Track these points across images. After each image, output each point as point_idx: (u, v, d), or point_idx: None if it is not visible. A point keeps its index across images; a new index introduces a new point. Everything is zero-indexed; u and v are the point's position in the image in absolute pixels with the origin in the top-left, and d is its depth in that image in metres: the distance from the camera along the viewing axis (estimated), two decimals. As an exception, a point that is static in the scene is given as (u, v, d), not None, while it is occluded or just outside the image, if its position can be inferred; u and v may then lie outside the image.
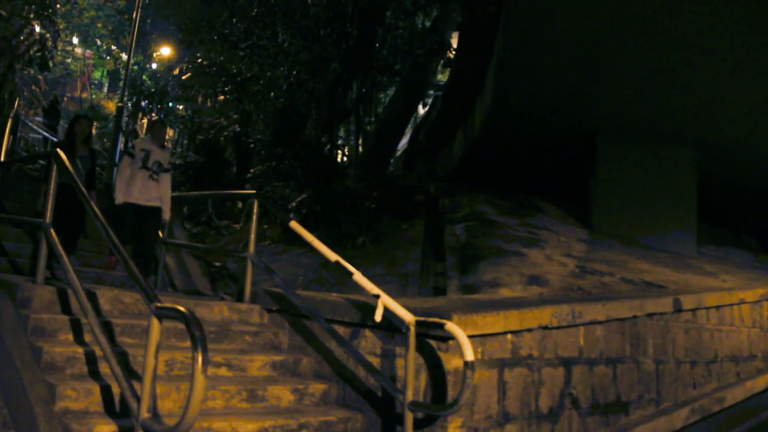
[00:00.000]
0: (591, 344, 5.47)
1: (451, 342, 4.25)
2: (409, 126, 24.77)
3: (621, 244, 11.36)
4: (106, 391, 3.84)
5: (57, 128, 20.05)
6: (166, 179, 7.07)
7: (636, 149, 12.43)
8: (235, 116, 15.42)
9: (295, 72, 13.89)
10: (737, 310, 7.98)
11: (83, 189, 4.74)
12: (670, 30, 9.16)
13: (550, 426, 4.94)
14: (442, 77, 24.95)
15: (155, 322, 3.32)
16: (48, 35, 17.69)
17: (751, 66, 9.72)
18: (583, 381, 5.32)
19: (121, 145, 18.26)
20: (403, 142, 25.16)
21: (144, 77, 30.03)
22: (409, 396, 4.11)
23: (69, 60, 37.35)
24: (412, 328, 4.15)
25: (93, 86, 40.20)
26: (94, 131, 22.38)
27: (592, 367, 5.45)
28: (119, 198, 6.71)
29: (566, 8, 9.16)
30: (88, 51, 40.52)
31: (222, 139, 15.70)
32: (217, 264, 9.24)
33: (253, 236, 6.16)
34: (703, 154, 12.39)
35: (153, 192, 6.87)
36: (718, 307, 7.51)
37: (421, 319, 4.17)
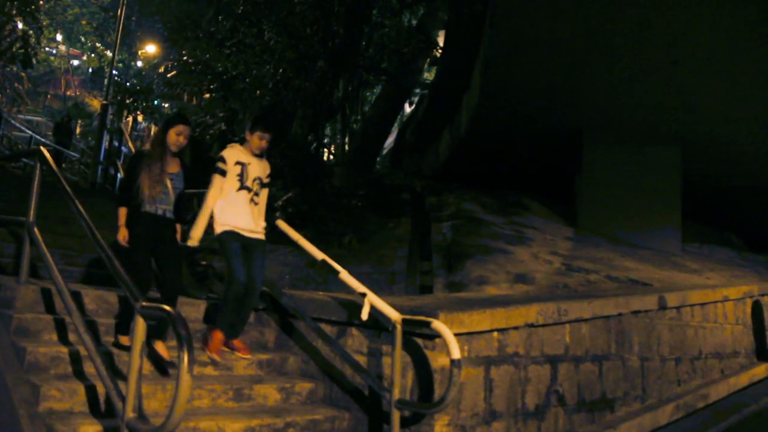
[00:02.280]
0: (577, 342, 5.50)
1: (437, 340, 4.25)
2: (396, 124, 24.79)
3: (607, 241, 11.42)
4: (91, 391, 3.81)
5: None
6: (265, 198, 5.22)
7: (622, 147, 12.49)
8: (221, 114, 15.34)
9: (281, 70, 13.86)
10: (721, 307, 8.05)
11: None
12: (656, 29, 9.21)
13: (537, 423, 4.96)
14: (429, 76, 24.99)
15: (140, 321, 3.31)
16: (31, 32, 17.55)
17: (736, 65, 9.79)
18: (569, 378, 5.34)
19: (105, 144, 18.14)
20: (390, 140, 25.18)
21: (131, 82, 29.89)
22: (396, 394, 4.11)
23: (52, 58, 37.04)
24: (399, 327, 4.16)
25: (82, 84, 39.87)
26: (78, 129, 22.26)
27: (578, 365, 5.47)
28: (196, 235, 4.83)
29: (552, 8, 9.18)
30: (77, 50, 40.22)
31: (208, 137, 15.61)
32: (203, 263, 9.19)
33: (239, 235, 6.10)
34: (688, 152, 12.48)
35: (255, 219, 5.03)
36: (702, 305, 7.56)
37: (408, 317, 4.18)
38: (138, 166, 4.67)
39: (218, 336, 4.76)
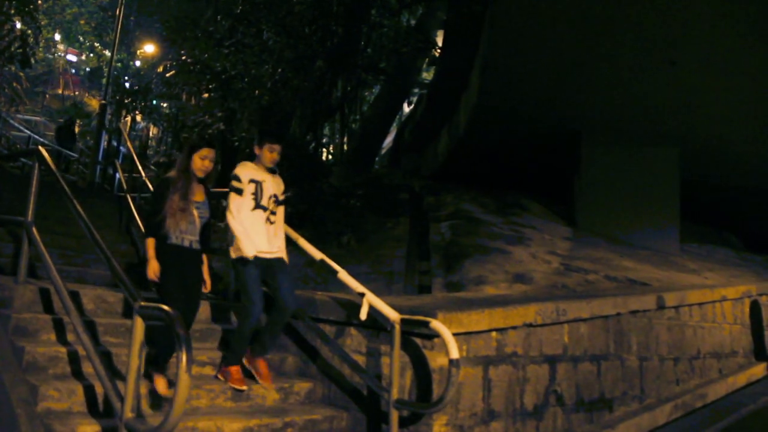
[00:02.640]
0: (575, 341, 5.50)
1: (436, 340, 4.25)
2: (394, 124, 24.80)
3: (605, 241, 11.42)
4: (89, 391, 3.81)
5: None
6: (281, 216, 5.01)
7: (620, 147, 12.50)
8: (220, 114, 15.32)
9: (279, 70, 13.84)
10: (719, 307, 8.06)
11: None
12: (655, 30, 9.22)
13: (535, 423, 4.96)
14: (428, 75, 24.99)
15: (139, 321, 3.31)
16: (29, 32, 17.51)
17: (734, 66, 9.81)
18: (567, 378, 5.34)
19: (104, 143, 18.13)
20: (388, 140, 25.18)
21: (129, 81, 29.88)
22: (395, 394, 4.12)
23: (51, 56, 37.01)
24: (397, 327, 4.16)
25: (80, 84, 39.82)
26: (77, 128, 22.24)
27: (576, 365, 5.47)
28: (236, 251, 4.58)
29: (551, 8, 9.19)
30: (75, 50, 40.18)
31: (206, 137, 15.60)
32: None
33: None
34: (687, 152, 12.49)
35: (273, 238, 4.81)
36: (700, 304, 7.57)
37: (406, 317, 4.18)
38: (163, 194, 4.39)
39: (235, 369, 4.53)
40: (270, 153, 4.81)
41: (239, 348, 4.55)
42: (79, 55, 40.43)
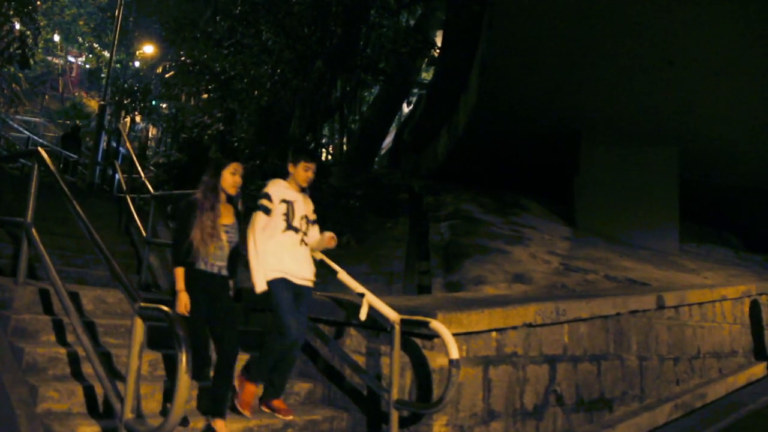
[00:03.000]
0: (575, 341, 5.50)
1: (436, 340, 4.25)
2: (394, 124, 24.80)
3: (604, 241, 11.43)
4: (89, 391, 3.81)
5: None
6: (314, 236, 4.64)
7: (619, 147, 12.50)
8: (219, 115, 15.35)
9: (278, 70, 13.87)
10: (719, 306, 8.05)
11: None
12: (653, 30, 9.22)
13: (535, 423, 4.96)
14: (427, 76, 25.00)
15: (139, 321, 3.30)
16: (28, 32, 17.54)
17: (733, 66, 9.81)
18: (567, 378, 5.34)
19: (103, 144, 18.12)
20: (388, 140, 25.19)
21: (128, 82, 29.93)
22: (395, 394, 4.11)
23: (50, 58, 37.00)
24: (397, 327, 4.16)
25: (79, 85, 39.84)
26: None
27: (576, 364, 5.47)
28: (260, 281, 4.22)
29: (551, 9, 9.20)
30: (74, 51, 40.20)
31: (206, 137, 15.62)
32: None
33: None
34: (686, 152, 12.49)
35: (305, 263, 4.46)
36: (700, 304, 7.57)
37: (406, 317, 4.18)
38: (190, 217, 4.04)
39: (251, 389, 4.27)
40: (305, 172, 4.50)
41: (263, 365, 4.26)
42: (78, 56, 40.43)
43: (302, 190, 4.55)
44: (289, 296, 4.23)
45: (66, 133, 20.96)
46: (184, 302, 3.88)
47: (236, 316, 4.20)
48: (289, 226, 4.37)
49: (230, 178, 4.17)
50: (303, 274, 4.38)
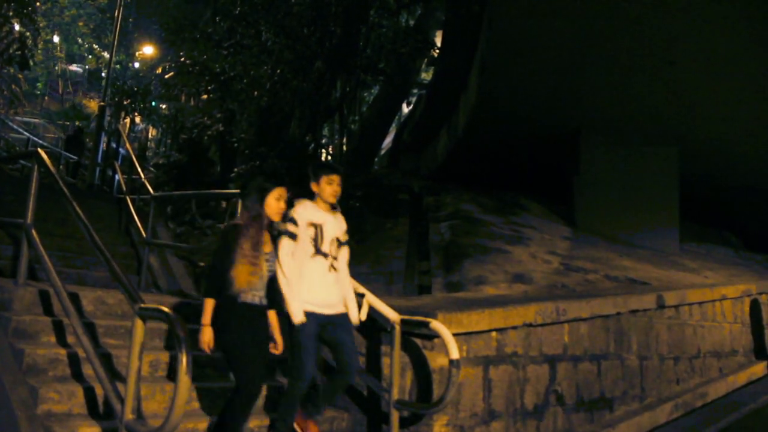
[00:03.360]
0: (575, 341, 5.50)
1: (436, 340, 4.26)
2: (394, 125, 24.79)
3: (604, 241, 11.42)
4: (89, 393, 3.81)
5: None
6: (346, 261, 4.32)
7: (620, 147, 12.49)
8: (219, 115, 15.34)
9: (278, 71, 13.85)
10: (719, 306, 8.06)
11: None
12: (654, 30, 9.21)
13: (536, 423, 4.96)
14: (426, 76, 25.00)
15: (139, 323, 3.31)
16: (28, 34, 17.54)
17: (735, 65, 9.80)
18: (567, 378, 5.34)
19: (103, 145, 18.13)
20: (388, 140, 25.17)
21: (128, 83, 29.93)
22: (395, 394, 4.12)
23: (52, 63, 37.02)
24: (398, 327, 4.16)
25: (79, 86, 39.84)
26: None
27: (576, 364, 5.47)
28: (296, 311, 3.92)
29: (550, 8, 9.19)
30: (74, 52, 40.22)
31: (205, 138, 15.62)
32: (201, 264, 9.18)
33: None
34: (686, 152, 12.48)
35: (334, 290, 4.14)
36: (700, 303, 7.57)
37: (406, 317, 4.18)
38: (231, 245, 3.77)
39: (314, 429, 4.12)
40: (329, 185, 4.17)
41: (287, 414, 4.03)
42: (78, 62, 40.43)
43: (333, 207, 4.24)
44: (310, 334, 3.96)
45: (69, 135, 20.96)
46: (207, 339, 3.64)
47: (268, 350, 3.97)
48: (318, 251, 4.08)
49: (275, 205, 3.91)
50: (333, 301, 4.10)
